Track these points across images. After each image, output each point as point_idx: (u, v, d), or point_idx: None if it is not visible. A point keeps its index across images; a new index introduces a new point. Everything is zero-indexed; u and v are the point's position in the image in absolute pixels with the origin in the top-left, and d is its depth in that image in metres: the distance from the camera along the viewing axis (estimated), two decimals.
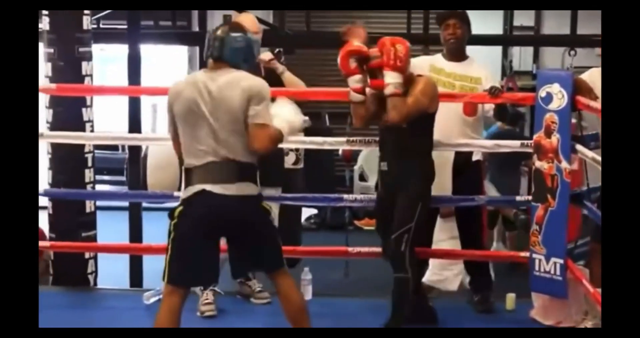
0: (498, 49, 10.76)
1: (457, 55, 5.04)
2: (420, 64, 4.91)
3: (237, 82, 3.78)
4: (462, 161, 4.98)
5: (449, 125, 4.83)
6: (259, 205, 3.91)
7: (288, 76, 5.03)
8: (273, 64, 5.00)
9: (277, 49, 4.95)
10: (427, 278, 5.34)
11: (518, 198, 5.22)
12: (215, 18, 9.46)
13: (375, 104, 4.51)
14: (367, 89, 4.54)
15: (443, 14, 5.07)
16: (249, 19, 4.85)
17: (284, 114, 3.99)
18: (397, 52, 4.33)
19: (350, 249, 5.11)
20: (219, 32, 3.87)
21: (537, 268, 4.63)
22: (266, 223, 3.96)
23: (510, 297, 5.08)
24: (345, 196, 5.21)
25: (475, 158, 5.08)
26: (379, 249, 4.84)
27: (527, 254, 4.77)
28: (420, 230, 4.52)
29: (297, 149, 5.33)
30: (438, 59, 5.07)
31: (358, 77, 4.48)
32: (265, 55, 4.99)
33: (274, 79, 4.79)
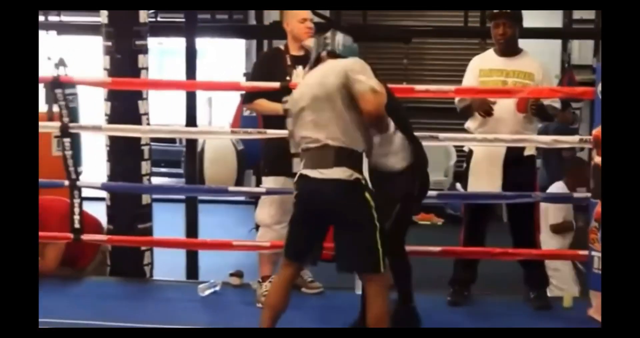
0: (557, 43, 10.62)
1: (509, 51, 4.98)
2: (472, 70, 4.99)
3: (331, 68, 3.97)
4: (514, 156, 4.91)
5: (502, 121, 4.79)
6: (356, 192, 3.85)
7: None
8: None
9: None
10: None
11: (576, 194, 5.13)
12: (272, 11, 9.47)
13: None
14: None
15: (493, 13, 5.02)
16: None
17: None
18: None
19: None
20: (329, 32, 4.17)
21: (595, 265, 4.55)
22: (360, 213, 3.84)
23: (568, 295, 5.01)
24: None
25: (528, 152, 4.99)
26: (436, 248, 4.80)
27: (586, 252, 4.70)
28: None
29: None
30: (488, 58, 5.03)
31: None
32: (310, 42, 4.98)
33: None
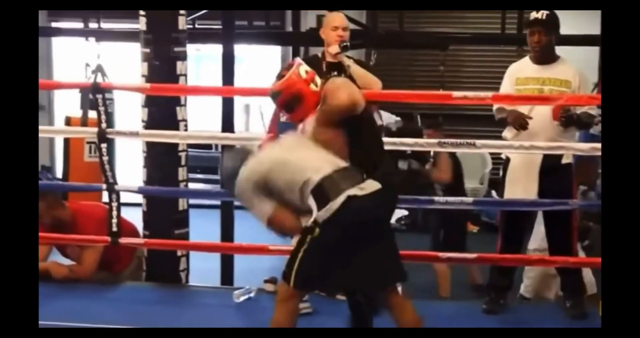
0: (595, 50, 10.53)
1: (545, 58, 4.95)
2: (509, 78, 4.98)
3: None
4: (551, 164, 4.87)
5: (538, 130, 4.76)
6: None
7: (355, 70, 4.93)
8: (340, 57, 4.98)
9: (344, 43, 4.92)
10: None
11: None
12: (309, 18, 9.49)
13: None
14: None
15: (529, 21, 4.99)
16: (338, 17, 4.97)
17: None
18: None
19: (440, 255, 5.07)
20: None
21: None
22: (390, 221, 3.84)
23: None
24: (436, 198, 5.17)
25: (565, 161, 4.95)
26: (472, 255, 4.77)
27: None
28: None
29: None
30: (524, 66, 4.99)
31: None
32: (333, 48, 4.98)
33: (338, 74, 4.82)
